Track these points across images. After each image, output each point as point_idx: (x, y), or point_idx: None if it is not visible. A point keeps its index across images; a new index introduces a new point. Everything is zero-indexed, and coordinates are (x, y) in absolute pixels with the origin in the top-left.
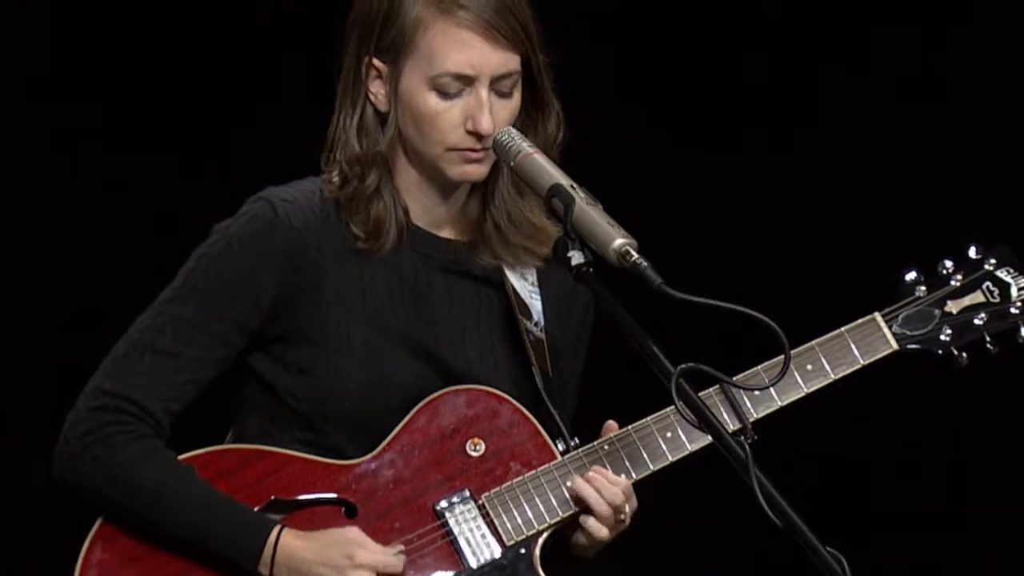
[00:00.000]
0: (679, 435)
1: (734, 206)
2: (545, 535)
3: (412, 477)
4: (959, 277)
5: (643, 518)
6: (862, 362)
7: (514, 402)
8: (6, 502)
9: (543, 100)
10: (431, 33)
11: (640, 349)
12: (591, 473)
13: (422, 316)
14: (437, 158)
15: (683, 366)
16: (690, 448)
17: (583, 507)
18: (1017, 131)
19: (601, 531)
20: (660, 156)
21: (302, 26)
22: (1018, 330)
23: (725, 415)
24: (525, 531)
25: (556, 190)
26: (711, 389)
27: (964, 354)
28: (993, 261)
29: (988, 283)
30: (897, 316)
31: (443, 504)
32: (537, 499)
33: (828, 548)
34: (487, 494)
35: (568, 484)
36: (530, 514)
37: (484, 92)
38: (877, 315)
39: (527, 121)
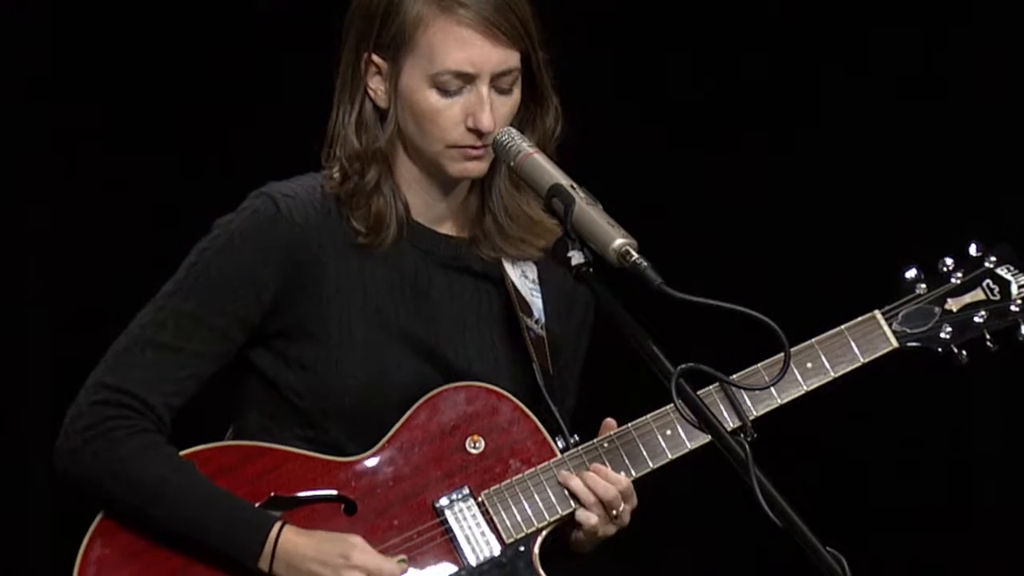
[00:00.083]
0: (679, 433)
1: (734, 205)
2: (544, 532)
3: (412, 474)
4: (959, 275)
5: (643, 517)
6: (862, 360)
7: (514, 399)
8: (6, 502)
9: (542, 95)
10: (432, 31)
11: (640, 349)
12: (587, 471)
13: (422, 312)
14: (437, 155)
15: (683, 366)
16: (690, 446)
17: (577, 502)
18: (1016, 130)
19: (589, 519)
20: (660, 156)
21: (302, 26)
22: (1018, 328)
23: (725, 413)
24: (524, 528)
25: (556, 190)
26: (711, 387)
27: (964, 352)
28: (993, 259)
29: (988, 281)
30: (897, 314)
31: (443, 501)
32: (536, 496)
33: (828, 548)
34: (487, 491)
35: (563, 475)
36: (529, 511)
37: (485, 89)
38: (877, 313)
39: (525, 116)
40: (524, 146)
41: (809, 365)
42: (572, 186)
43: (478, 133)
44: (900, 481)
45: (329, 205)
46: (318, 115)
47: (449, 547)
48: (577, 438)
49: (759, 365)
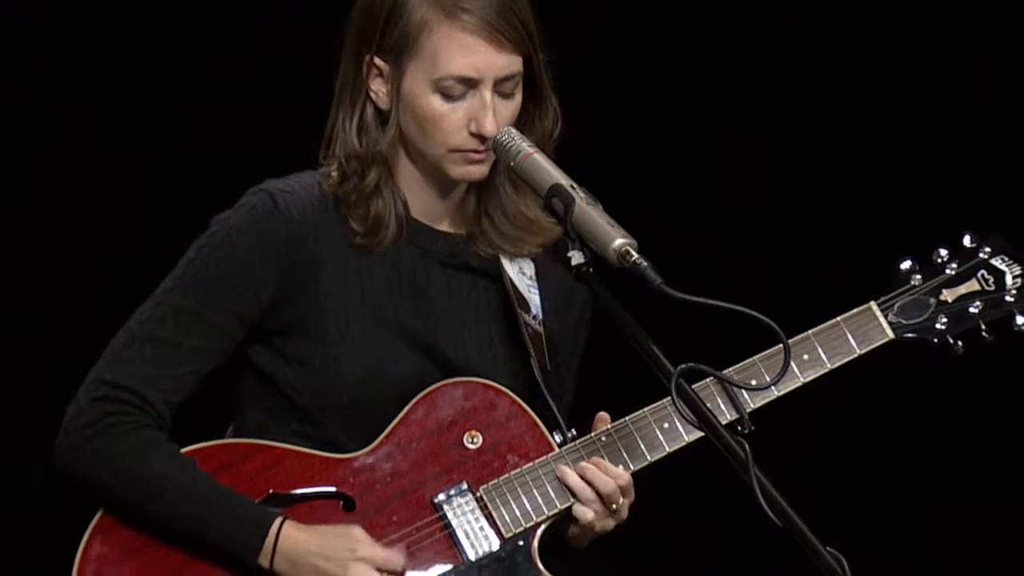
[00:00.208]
0: (676, 426)
1: (732, 204)
2: (543, 527)
3: (410, 470)
4: (954, 266)
5: (641, 512)
6: (858, 351)
7: (511, 394)
8: (6, 502)
9: (542, 97)
10: (435, 36)
11: (640, 349)
12: (582, 464)
13: (421, 309)
14: (440, 158)
15: (683, 366)
16: (687, 439)
17: (575, 496)
18: (1014, 129)
19: (586, 514)
20: (659, 156)
21: (302, 26)
22: (1013, 318)
23: (722, 406)
24: (523, 523)
25: (556, 190)
26: (707, 380)
27: (960, 342)
28: (988, 249)
29: (983, 271)
30: (893, 305)
31: (441, 497)
32: (535, 491)
33: (828, 548)
34: (485, 486)
35: (561, 469)
36: (528, 506)
37: (488, 94)
38: (873, 304)
39: (524, 117)
40: (524, 146)
41: (806, 357)
42: (572, 186)
43: (480, 137)
44: (898, 479)
45: (327, 202)
46: (318, 115)
47: (448, 542)
48: (574, 432)
49: (756, 358)
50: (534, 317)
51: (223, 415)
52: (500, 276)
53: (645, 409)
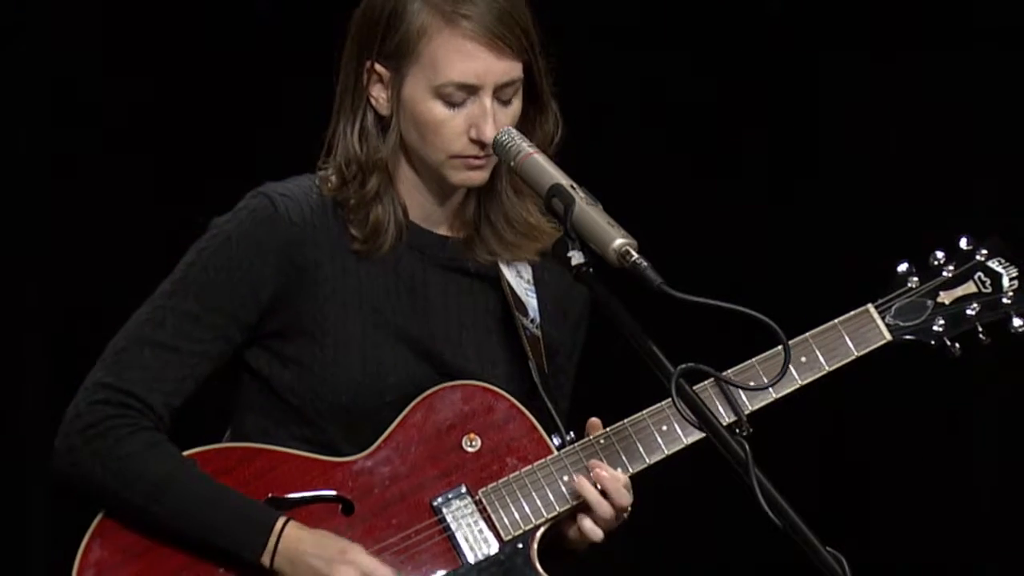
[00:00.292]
0: (675, 428)
1: (732, 206)
2: (543, 530)
3: (408, 473)
4: (951, 268)
5: (640, 515)
6: (856, 353)
7: (510, 397)
8: (6, 502)
9: (542, 102)
10: (435, 43)
11: (639, 349)
12: (598, 471)
13: (419, 312)
14: (440, 164)
15: (683, 366)
16: (686, 441)
17: (582, 504)
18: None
19: (597, 534)
20: (659, 156)
21: (303, 28)
22: (1010, 320)
23: (720, 408)
24: (523, 526)
25: (556, 190)
26: (706, 382)
27: (957, 344)
28: (984, 251)
29: (980, 273)
30: (890, 307)
31: (440, 500)
32: (534, 494)
33: (828, 548)
34: (484, 489)
35: (565, 479)
36: (527, 509)
37: (488, 101)
38: (870, 306)
39: (526, 122)
40: (524, 146)
41: (803, 359)
42: (572, 186)
43: (481, 144)
44: (899, 481)
45: (326, 207)
46: (318, 118)
47: (447, 545)
48: (573, 436)
49: (754, 360)
50: (532, 321)
51: (221, 419)
52: (498, 280)
53: (643, 412)
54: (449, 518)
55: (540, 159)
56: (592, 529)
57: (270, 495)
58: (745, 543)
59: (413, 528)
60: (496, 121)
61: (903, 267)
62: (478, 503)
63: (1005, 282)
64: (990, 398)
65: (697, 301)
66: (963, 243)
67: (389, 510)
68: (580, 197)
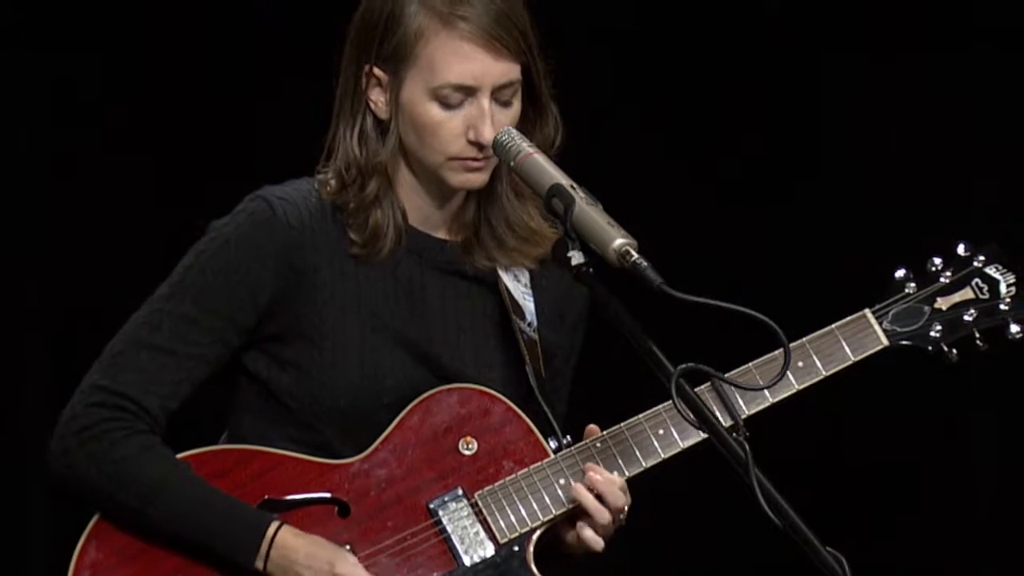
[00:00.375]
0: (671, 432)
1: (730, 209)
2: (538, 533)
3: (405, 476)
4: (948, 274)
5: (637, 518)
6: (853, 359)
7: (506, 400)
8: (6, 502)
9: (541, 104)
10: (432, 45)
11: (640, 349)
12: (592, 475)
13: (417, 316)
14: (439, 167)
15: (683, 366)
16: (682, 445)
17: (580, 509)
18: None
19: (598, 544)
20: (659, 157)
21: (303, 29)
22: (1007, 326)
23: (717, 412)
24: (519, 529)
25: (556, 190)
26: (703, 387)
27: (954, 350)
28: (982, 258)
29: (977, 279)
30: (887, 313)
31: (436, 502)
32: (530, 497)
33: (828, 548)
34: (480, 492)
35: (561, 483)
36: (523, 512)
37: (486, 102)
38: (867, 312)
39: (525, 125)
40: (524, 146)
41: (800, 364)
42: (572, 186)
43: (479, 145)
44: (898, 481)
45: (325, 210)
46: (318, 119)
47: (443, 548)
48: (569, 439)
49: (751, 364)
50: (529, 324)
51: (218, 422)
52: (496, 284)
53: (640, 415)
54: (445, 521)
55: (540, 159)
56: (593, 539)
57: (266, 497)
58: (743, 545)
59: (409, 530)
60: (495, 122)
61: (901, 272)
62: (474, 506)
63: (1002, 288)
64: (989, 403)
65: (697, 301)
66: (961, 249)
67: (385, 512)
68: (580, 197)
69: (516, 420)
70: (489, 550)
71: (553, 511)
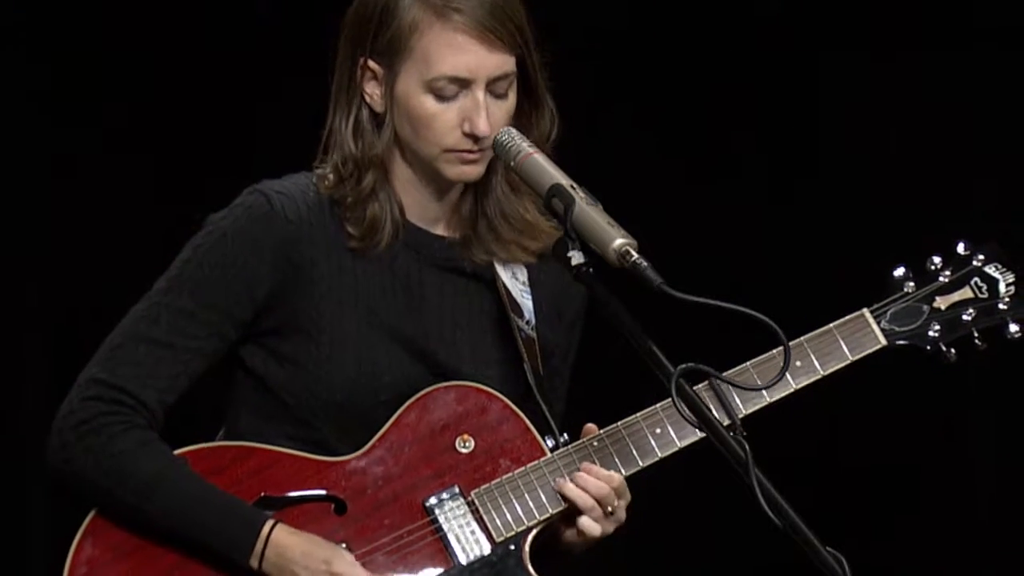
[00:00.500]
0: (668, 431)
1: (730, 208)
2: (535, 531)
3: (402, 474)
4: (947, 273)
5: (635, 517)
6: (851, 358)
7: (504, 399)
8: (6, 502)
9: (537, 98)
10: (427, 37)
11: (639, 349)
12: (581, 478)
13: (414, 311)
14: (434, 159)
15: (683, 366)
16: (679, 444)
17: (573, 506)
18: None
19: (595, 528)
20: (659, 157)
21: (302, 27)
22: (1006, 326)
23: (714, 411)
24: (515, 527)
25: (556, 190)
26: (700, 386)
27: (953, 350)
28: (981, 257)
29: (976, 279)
30: (886, 312)
31: (433, 501)
32: (527, 495)
33: (828, 548)
34: (477, 491)
35: (558, 481)
36: (520, 511)
37: (480, 94)
38: (866, 311)
39: (522, 118)
40: (524, 146)
41: (799, 364)
42: (572, 186)
43: (474, 138)
44: (897, 482)
45: (322, 205)
46: (317, 116)
47: (439, 546)
48: (567, 437)
49: (748, 364)
50: (527, 322)
51: (215, 417)
52: (494, 281)
53: (638, 414)
54: (442, 519)
55: (540, 159)
56: (589, 524)
57: (263, 494)
58: (743, 545)
59: (405, 528)
60: (490, 115)
61: (899, 271)
62: (471, 504)
63: (1001, 288)
64: (987, 403)
65: (697, 301)
66: (960, 248)
67: (382, 510)
68: (580, 197)
69: (514, 418)
70: (485, 548)
71: (549, 510)
